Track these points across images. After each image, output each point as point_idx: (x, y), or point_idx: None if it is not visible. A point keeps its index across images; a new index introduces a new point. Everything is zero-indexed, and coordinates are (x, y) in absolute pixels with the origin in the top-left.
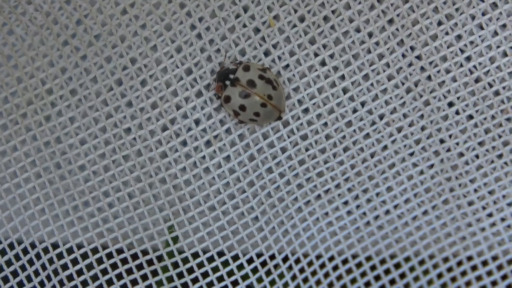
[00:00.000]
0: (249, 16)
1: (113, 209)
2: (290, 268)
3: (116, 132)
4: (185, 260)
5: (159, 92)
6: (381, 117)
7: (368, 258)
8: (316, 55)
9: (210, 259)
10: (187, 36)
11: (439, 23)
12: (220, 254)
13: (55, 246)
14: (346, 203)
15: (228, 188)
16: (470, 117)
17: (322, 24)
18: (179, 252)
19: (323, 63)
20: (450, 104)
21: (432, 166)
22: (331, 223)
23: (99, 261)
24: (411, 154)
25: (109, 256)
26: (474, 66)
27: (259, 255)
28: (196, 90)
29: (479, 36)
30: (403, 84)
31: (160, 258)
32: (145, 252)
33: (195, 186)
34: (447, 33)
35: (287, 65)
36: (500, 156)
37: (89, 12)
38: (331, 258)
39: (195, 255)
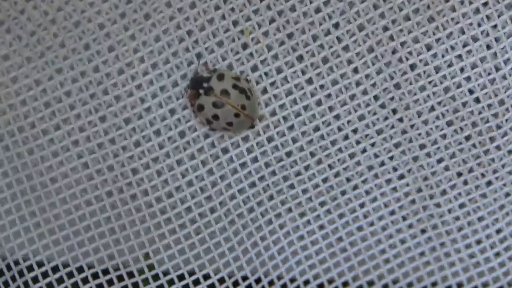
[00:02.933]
0: (224, 24)
1: (89, 233)
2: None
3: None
4: (156, 277)
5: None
6: (355, 131)
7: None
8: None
9: (181, 277)
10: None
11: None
12: (191, 273)
13: (30, 269)
14: (318, 216)
15: (200, 207)
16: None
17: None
18: (149, 269)
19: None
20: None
21: (407, 184)
22: (303, 237)
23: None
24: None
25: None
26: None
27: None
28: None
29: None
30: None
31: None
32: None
33: (166, 203)
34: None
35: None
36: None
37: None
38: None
39: (166, 273)
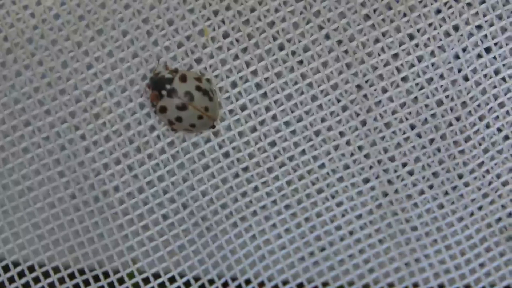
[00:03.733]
0: (183, 24)
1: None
2: None
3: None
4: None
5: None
6: (317, 133)
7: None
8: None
9: (146, 280)
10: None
11: (376, 41)
12: (156, 276)
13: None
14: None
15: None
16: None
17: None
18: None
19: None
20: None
21: (372, 188)
22: (269, 241)
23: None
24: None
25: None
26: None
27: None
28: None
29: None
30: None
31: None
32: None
33: (128, 205)
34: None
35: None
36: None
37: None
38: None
39: (131, 275)
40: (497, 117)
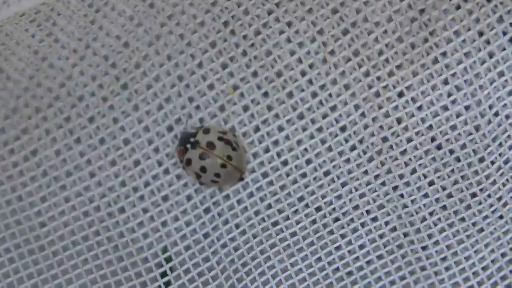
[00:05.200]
0: (208, 84)
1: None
2: None
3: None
4: None
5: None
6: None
7: None
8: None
9: None
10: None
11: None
12: None
13: None
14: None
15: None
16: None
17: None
18: None
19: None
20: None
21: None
22: (291, 276)
23: None
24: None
25: None
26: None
27: None
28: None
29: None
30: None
31: None
32: None
33: (157, 249)
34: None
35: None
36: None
37: None
38: None
39: None
40: None
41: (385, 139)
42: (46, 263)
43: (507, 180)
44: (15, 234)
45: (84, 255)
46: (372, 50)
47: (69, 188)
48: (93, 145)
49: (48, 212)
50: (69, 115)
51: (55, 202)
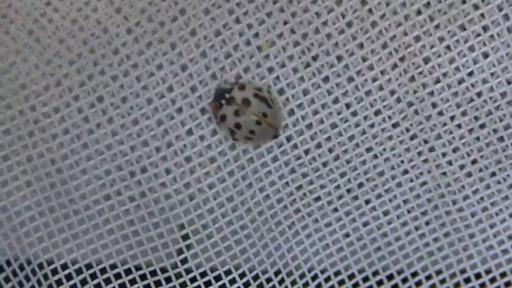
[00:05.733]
0: (245, 41)
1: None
2: (282, 280)
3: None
4: (178, 275)
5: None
6: (372, 125)
7: (361, 271)
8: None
9: (203, 274)
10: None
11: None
12: (213, 269)
13: (50, 262)
14: (340, 218)
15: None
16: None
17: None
18: (172, 268)
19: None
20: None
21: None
22: (324, 237)
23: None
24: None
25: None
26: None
27: (251, 269)
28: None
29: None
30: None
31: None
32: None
33: (189, 206)
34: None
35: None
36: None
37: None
38: (323, 271)
39: (188, 271)
40: None
41: (410, 104)
42: (66, 222)
43: None
44: (36, 191)
45: (106, 214)
46: None
47: (90, 146)
48: (115, 104)
49: (69, 171)
50: (92, 73)
51: (76, 161)
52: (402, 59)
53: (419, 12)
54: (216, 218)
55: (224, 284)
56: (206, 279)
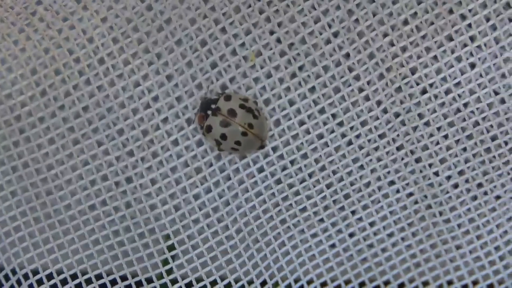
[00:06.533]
0: (230, 51)
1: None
2: None
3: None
4: (164, 286)
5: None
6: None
7: (347, 282)
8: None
9: (189, 285)
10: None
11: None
12: (199, 280)
13: (35, 272)
14: (326, 229)
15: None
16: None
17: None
18: (158, 278)
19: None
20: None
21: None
22: (311, 248)
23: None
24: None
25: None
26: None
27: (237, 280)
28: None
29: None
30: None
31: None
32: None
33: (175, 216)
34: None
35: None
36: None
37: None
38: (309, 281)
39: (174, 281)
40: None
41: (397, 115)
42: (52, 232)
43: None
44: (21, 201)
45: (91, 225)
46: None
47: (75, 156)
48: (101, 114)
49: (54, 181)
50: (77, 83)
51: (62, 171)
52: (388, 69)
53: (406, 22)
54: (202, 229)
55: None
56: None
